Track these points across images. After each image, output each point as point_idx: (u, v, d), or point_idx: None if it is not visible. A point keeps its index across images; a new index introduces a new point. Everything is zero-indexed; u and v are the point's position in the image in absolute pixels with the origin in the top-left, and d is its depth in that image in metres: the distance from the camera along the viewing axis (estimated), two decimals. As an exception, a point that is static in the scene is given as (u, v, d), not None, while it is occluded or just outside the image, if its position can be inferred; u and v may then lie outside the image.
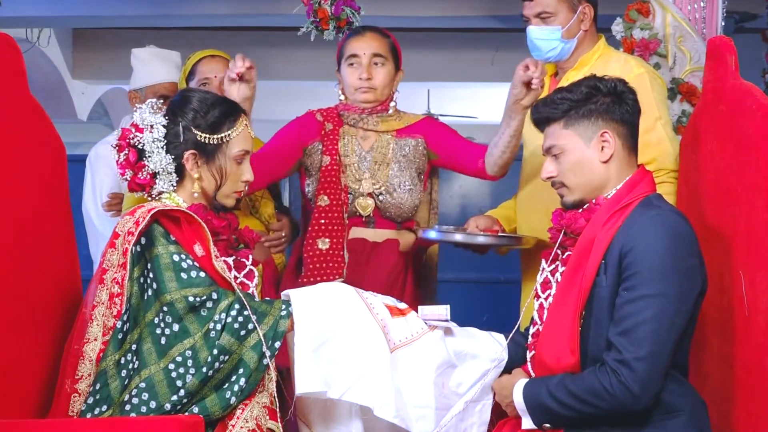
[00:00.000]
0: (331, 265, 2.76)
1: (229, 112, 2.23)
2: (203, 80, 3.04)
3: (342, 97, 2.93)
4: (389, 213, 2.84)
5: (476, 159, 2.81)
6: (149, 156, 2.19)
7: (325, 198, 2.80)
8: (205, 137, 2.19)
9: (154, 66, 3.30)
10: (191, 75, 3.07)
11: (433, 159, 2.91)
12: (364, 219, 2.85)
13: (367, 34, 2.89)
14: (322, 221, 2.79)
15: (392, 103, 2.90)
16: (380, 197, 2.82)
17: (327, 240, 2.78)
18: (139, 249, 2.12)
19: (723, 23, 3.04)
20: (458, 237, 2.66)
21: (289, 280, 2.87)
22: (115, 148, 2.21)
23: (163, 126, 2.19)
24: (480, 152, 2.80)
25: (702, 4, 3.05)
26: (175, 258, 2.09)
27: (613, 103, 2.17)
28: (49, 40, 7.35)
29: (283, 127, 2.93)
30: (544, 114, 2.22)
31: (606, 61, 2.69)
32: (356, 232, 2.83)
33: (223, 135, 2.20)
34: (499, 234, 2.69)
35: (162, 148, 2.19)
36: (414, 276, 2.90)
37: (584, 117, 2.16)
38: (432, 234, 2.68)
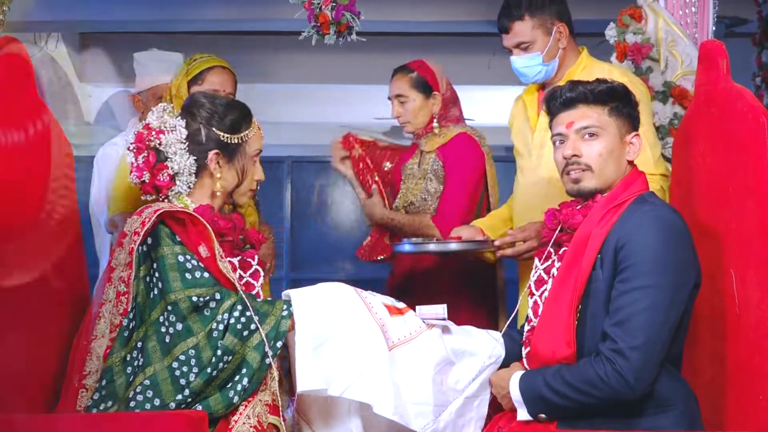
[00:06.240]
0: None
1: (245, 113, 2.32)
2: (212, 91, 3.07)
3: None
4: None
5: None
6: (171, 157, 2.21)
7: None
8: (227, 137, 2.26)
9: (154, 69, 3.33)
10: (196, 80, 3.08)
11: None
12: None
13: (393, 77, 3.29)
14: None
15: (434, 123, 3.26)
16: (412, 206, 3.23)
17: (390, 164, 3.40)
18: (145, 249, 2.15)
19: (714, 28, 3.04)
20: (432, 247, 2.82)
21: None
22: (131, 150, 2.22)
23: (184, 128, 2.23)
24: (438, 213, 3.18)
25: (693, 9, 3.06)
26: (180, 258, 2.13)
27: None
28: (57, 44, 7.40)
29: None
30: (589, 96, 2.21)
31: (590, 72, 2.72)
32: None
33: (242, 134, 2.28)
34: (468, 240, 2.76)
35: (185, 149, 2.22)
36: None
37: (626, 115, 2.23)
38: (406, 247, 2.83)
